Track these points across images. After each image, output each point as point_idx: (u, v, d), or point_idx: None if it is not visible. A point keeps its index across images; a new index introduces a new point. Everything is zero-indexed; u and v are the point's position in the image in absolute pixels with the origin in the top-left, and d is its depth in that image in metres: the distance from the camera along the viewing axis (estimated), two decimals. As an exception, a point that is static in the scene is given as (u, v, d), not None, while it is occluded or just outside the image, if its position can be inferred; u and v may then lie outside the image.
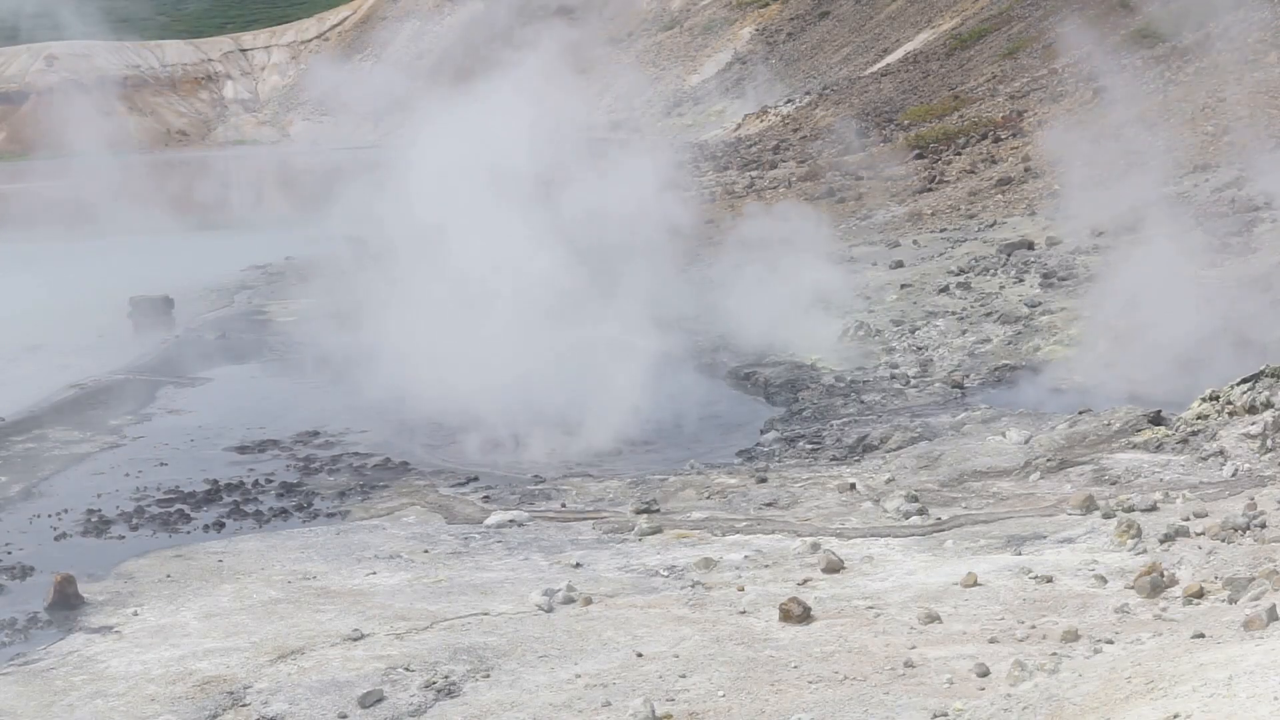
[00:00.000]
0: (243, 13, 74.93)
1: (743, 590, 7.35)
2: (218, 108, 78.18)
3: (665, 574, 7.76)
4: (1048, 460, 9.77)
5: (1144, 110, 21.80)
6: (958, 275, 17.02)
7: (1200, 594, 6.58)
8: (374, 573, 8.10)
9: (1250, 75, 21.97)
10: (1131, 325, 12.71)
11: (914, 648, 6.29)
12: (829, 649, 6.38)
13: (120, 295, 20.11)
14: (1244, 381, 10.12)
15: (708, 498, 9.65)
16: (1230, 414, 9.78)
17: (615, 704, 5.89)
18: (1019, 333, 14.09)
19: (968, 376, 12.97)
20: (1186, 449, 9.62)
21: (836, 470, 10.19)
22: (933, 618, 6.65)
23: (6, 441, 12.28)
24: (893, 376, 13.32)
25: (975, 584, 7.13)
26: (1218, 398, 10.03)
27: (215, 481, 10.92)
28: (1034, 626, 6.43)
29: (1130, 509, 8.22)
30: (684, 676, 6.15)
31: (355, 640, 6.85)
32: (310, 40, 73.35)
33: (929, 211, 23.34)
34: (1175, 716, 4.77)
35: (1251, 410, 9.70)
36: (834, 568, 7.62)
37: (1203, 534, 7.57)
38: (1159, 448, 9.76)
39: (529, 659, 6.49)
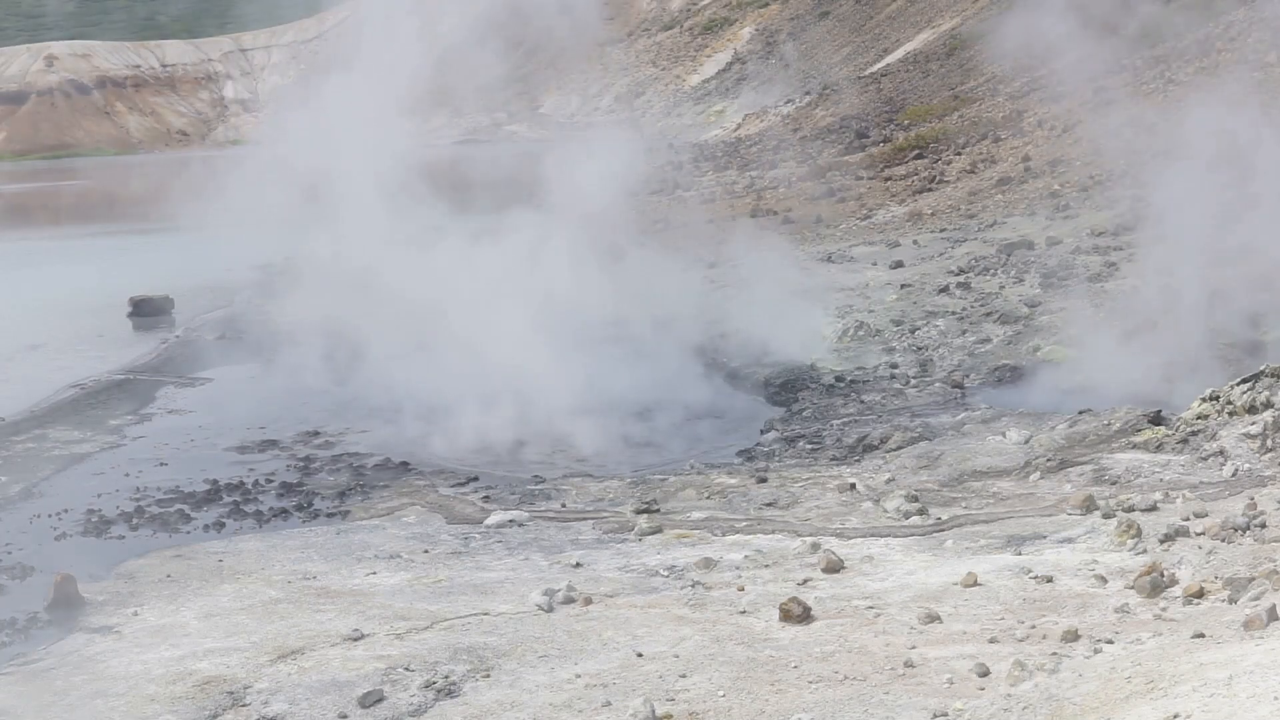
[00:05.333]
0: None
1: (743, 590, 7.35)
2: (218, 108, 78.17)
3: (665, 574, 7.76)
4: (1048, 460, 9.77)
5: (1143, 109, 21.80)
6: (958, 275, 17.02)
7: (1200, 594, 6.58)
8: (374, 573, 8.10)
9: (1250, 75, 21.97)
10: (1131, 325, 12.71)
11: (914, 648, 6.29)
12: (829, 649, 6.37)
13: (120, 295, 20.13)
14: (1244, 381, 10.12)
15: (708, 498, 9.65)
16: (1230, 414, 9.78)
17: (615, 704, 5.88)
18: (1019, 333, 14.09)
19: (968, 376, 12.97)
20: (1186, 449, 9.62)
21: (836, 470, 10.18)
22: (933, 618, 6.65)
23: (6, 441, 12.28)
24: (893, 376, 13.32)
25: (975, 584, 7.13)
26: (1218, 398, 10.03)
27: (215, 481, 10.91)
28: (1034, 626, 6.43)
29: (1130, 509, 8.22)
30: (684, 676, 6.15)
31: (355, 640, 6.85)
32: (310, 40, 73.38)
33: (929, 211, 23.35)
34: (1175, 716, 4.77)
35: (1251, 410, 9.69)
36: (834, 568, 7.61)
37: (1203, 534, 7.57)
38: (1159, 448, 9.75)
39: (529, 659, 6.49)
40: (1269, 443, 9.16)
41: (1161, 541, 7.50)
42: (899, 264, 18.35)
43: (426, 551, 8.55)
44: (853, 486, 9.50)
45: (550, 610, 7.15)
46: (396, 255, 14.26)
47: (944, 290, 16.25)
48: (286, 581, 7.97)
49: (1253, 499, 8.04)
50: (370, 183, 14.76)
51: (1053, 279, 15.89)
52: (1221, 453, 9.27)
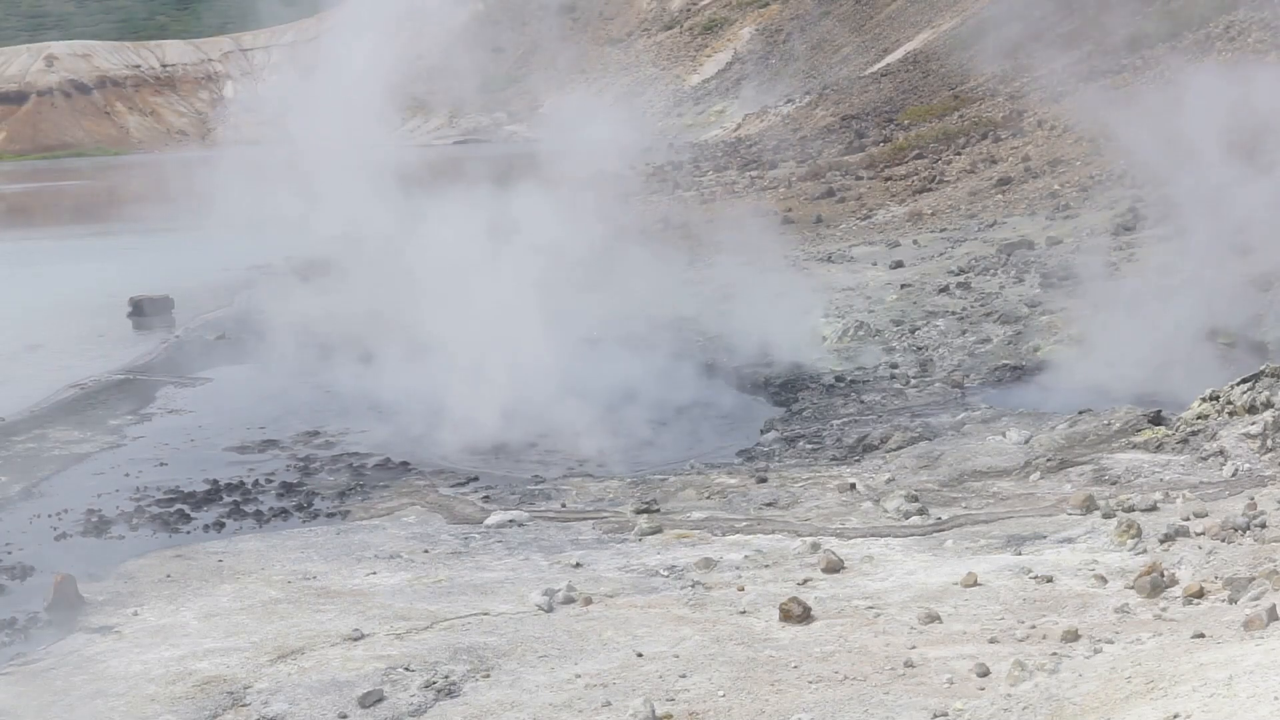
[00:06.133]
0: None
1: (743, 590, 7.35)
2: (218, 108, 78.22)
3: (665, 574, 7.76)
4: (1048, 460, 9.77)
5: (1143, 109, 21.79)
6: (958, 275, 17.03)
7: (1200, 594, 6.58)
8: (374, 573, 8.10)
9: (1250, 75, 21.96)
10: (1131, 325, 12.72)
11: (914, 648, 6.29)
12: (829, 649, 6.37)
13: (120, 295, 20.13)
14: (1244, 381, 10.11)
15: (708, 498, 9.64)
16: (1230, 414, 9.78)
17: (615, 704, 5.88)
18: (1019, 333, 14.09)
19: (968, 376, 12.97)
20: (1186, 449, 9.62)
21: (836, 470, 10.18)
22: (933, 618, 6.65)
23: (6, 441, 12.28)
24: (893, 376, 13.32)
25: (975, 584, 7.13)
26: (1218, 398, 10.03)
27: (215, 481, 10.91)
28: (1034, 626, 6.42)
29: (1130, 509, 8.22)
30: (684, 676, 6.14)
31: (355, 640, 6.85)
32: (310, 40, 73.47)
33: (929, 211, 23.36)
34: (1175, 716, 4.77)
35: (1251, 410, 9.69)
36: (834, 568, 7.61)
37: (1203, 534, 7.56)
38: (1159, 448, 9.75)
39: (529, 659, 6.49)
40: (1269, 443, 9.16)
41: (1161, 541, 7.50)
42: (899, 264, 18.36)
43: (426, 551, 8.55)
44: (853, 486, 9.50)
45: (550, 610, 7.15)
46: (396, 255, 14.27)
47: (944, 290, 16.25)
48: (286, 581, 7.97)
49: (1253, 499, 8.04)
50: (368, 182, 14.76)
51: (1053, 279, 15.90)
52: (1221, 453, 9.27)
